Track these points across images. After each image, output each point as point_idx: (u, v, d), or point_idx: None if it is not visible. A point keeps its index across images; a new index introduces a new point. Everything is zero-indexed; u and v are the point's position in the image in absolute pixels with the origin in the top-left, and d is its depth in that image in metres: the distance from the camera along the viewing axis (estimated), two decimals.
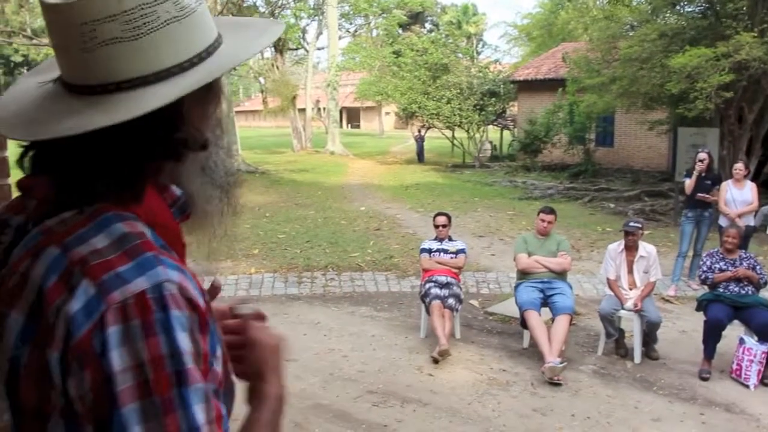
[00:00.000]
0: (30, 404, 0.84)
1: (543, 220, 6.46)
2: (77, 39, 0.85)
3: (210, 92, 0.96)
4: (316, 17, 32.46)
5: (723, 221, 8.14)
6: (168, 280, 0.84)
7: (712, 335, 5.64)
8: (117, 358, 0.79)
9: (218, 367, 0.91)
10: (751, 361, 5.40)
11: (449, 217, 6.95)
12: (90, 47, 0.85)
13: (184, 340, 0.82)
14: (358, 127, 61.12)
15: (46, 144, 0.89)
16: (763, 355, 5.40)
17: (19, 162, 0.95)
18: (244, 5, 20.40)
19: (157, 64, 0.88)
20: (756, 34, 11.45)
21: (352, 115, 61.25)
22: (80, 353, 0.79)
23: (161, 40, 0.87)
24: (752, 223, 8.42)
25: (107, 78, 0.87)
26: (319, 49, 36.22)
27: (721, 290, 5.85)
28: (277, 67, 31.19)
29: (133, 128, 0.85)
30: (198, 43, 0.92)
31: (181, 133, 0.92)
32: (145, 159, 0.91)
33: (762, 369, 5.42)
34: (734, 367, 5.55)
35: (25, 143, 0.94)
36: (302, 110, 33.87)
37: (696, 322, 6.15)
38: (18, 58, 48.81)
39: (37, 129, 0.88)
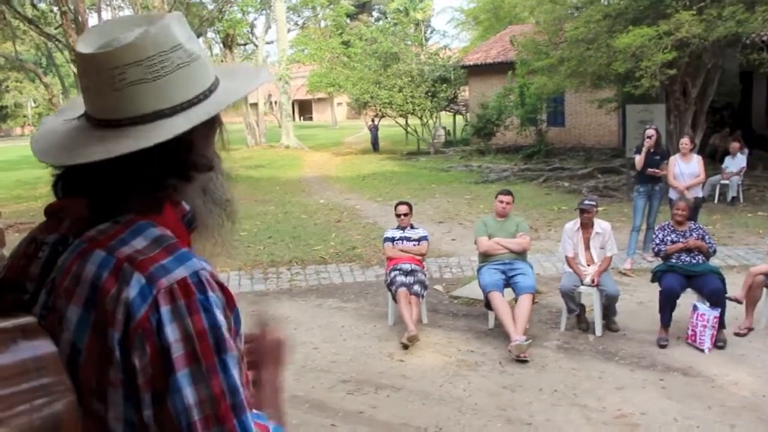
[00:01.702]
0: (90, 382, 1.00)
1: (501, 202, 6.63)
2: (108, 81, 1.04)
3: (213, 124, 1.16)
4: (264, 11, 32.22)
5: (673, 194, 8.41)
6: (203, 268, 1.04)
7: (667, 304, 5.88)
8: (170, 332, 0.98)
9: (240, 344, 1.11)
10: (705, 326, 5.67)
11: (410, 206, 7.07)
12: (119, 87, 1.03)
13: (220, 316, 1.02)
14: (311, 119, 60.88)
15: (77, 170, 1.07)
16: (715, 320, 5.66)
17: (54, 188, 1.14)
18: (191, 2, 20.12)
19: (171, 100, 1.06)
20: (695, 12, 11.82)
21: (304, 108, 60.97)
22: (141, 330, 0.97)
23: (175, 80, 1.06)
24: (701, 195, 8.75)
25: (132, 112, 1.05)
26: (268, 43, 36.11)
27: (674, 261, 6.10)
28: (227, 63, 30.89)
29: (154, 153, 1.04)
30: (202, 83, 1.11)
31: (191, 158, 1.12)
32: (164, 179, 1.10)
33: (715, 333, 5.68)
34: (689, 333, 5.81)
35: (57, 172, 1.13)
36: (254, 105, 33.67)
37: (652, 293, 6.38)
38: None
39: (73, 156, 1.05)
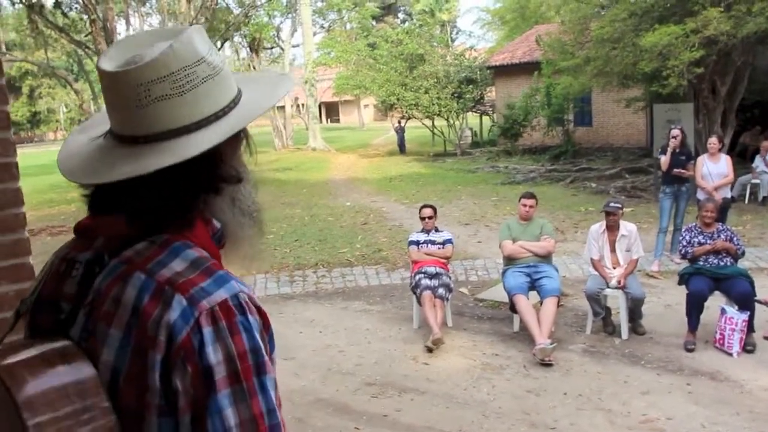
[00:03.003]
0: (130, 404, 1.00)
1: (525, 205, 6.61)
2: (133, 98, 1.03)
3: (239, 135, 1.15)
4: (290, 15, 32.42)
5: (701, 195, 8.30)
6: (242, 291, 1.04)
7: (694, 307, 5.82)
8: (212, 353, 0.98)
9: (275, 365, 1.10)
10: (733, 329, 5.59)
11: (435, 209, 7.09)
12: (144, 104, 1.03)
13: (259, 338, 1.03)
14: (338, 121, 61.04)
15: (108, 188, 1.07)
16: (744, 323, 5.59)
17: (90, 206, 1.14)
18: (217, 7, 20.33)
19: (198, 114, 1.06)
20: (722, 9, 11.65)
21: (331, 110, 61.15)
22: (183, 351, 0.97)
23: (200, 94, 1.06)
24: (729, 195, 8.63)
25: (158, 128, 1.04)
26: (294, 46, 36.24)
27: (702, 263, 6.03)
28: (254, 67, 31.15)
29: (184, 169, 1.03)
30: (226, 95, 1.11)
31: (220, 170, 1.11)
32: (195, 193, 1.09)
33: (744, 337, 5.61)
34: (717, 336, 5.74)
35: (86, 192, 1.13)
36: (281, 108, 33.83)
37: (680, 295, 6.31)
38: None
39: (102, 174, 1.05)
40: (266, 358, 1.03)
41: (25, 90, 51.19)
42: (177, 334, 0.97)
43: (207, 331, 0.98)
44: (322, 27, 39.53)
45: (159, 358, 0.97)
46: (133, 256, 1.06)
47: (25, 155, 25.72)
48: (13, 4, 17.71)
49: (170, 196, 1.06)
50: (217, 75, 1.08)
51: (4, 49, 25.72)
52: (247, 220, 1.21)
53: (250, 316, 1.03)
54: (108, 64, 1.04)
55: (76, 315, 1.07)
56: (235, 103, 1.12)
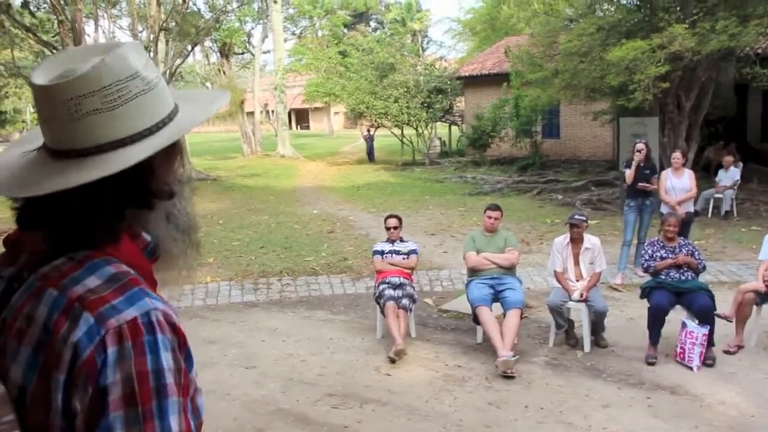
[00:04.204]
0: (35, 424, 0.98)
1: (490, 217, 6.61)
2: (65, 111, 1.02)
3: (173, 151, 1.15)
4: (261, 21, 32.27)
5: (664, 209, 8.38)
6: (155, 308, 1.01)
7: (656, 321, 5.86)
8: (111, 373, 0.95)
9: (192, 385, 1.09)
10: (693, 343, 5.64)
11: (400, 219, 7.06)
12: (75, 118, 1.02)
13: (167, 359, 0.99)
14: (307, 128, 60.89)
15: (36, 203, 1.05)
16: (704, 338, 5.63)
17: (17, 220, 1.12)
18: (188, 12, 20.14)
19: (130, 129, 1.05)
20: (687, 26, 11.86)
21: (301, 117, 60.98)
22: (85, 370, 0.95)
23: (133, 109, 1.05)
24: (692, 210, 8.73)
25: (90, 142, 1.03)
26: (265, 52, 36.12)
27: (663, 277, 6.08)
28: (224, 72, 31.01)
29: (112, 183, 1.02)
30: (161, 111, 1.10)
31: (151, 186, 1.11)
32: (123, 208, 1.08)
33: (704, 351, 5.65)
34: (678, 350, 5.78)
35: (16, 205, 1.11)
36: (251, 114, 33.67)
37: (642, 309, 6.33)
38: None
39: (30, 187, 1.04)
40: (170, 381, 0.98)
41: None
42: (81, 353, 0.95)
43: (111, 351, 0.96)
44: (293, 34, 39.41)
45: (62, 379, 0.96)
46: (49, 272, 1.04)
47: None
48: None
49: (94, 212, 1.04)
50: (151, 90, 1.08)
51: None
52: (181, 236, 1.20)
53: (159, 335, 0.99)
54: (40, 78, 1.03)
55: None
56: (170, 118, 1.11)
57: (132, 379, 0.95)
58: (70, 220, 1.04)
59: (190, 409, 1.06)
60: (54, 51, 18.05)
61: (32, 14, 17.44)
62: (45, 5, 17.48)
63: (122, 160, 1.02)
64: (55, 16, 17.61)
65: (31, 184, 1.04)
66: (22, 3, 16.67)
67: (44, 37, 18.93)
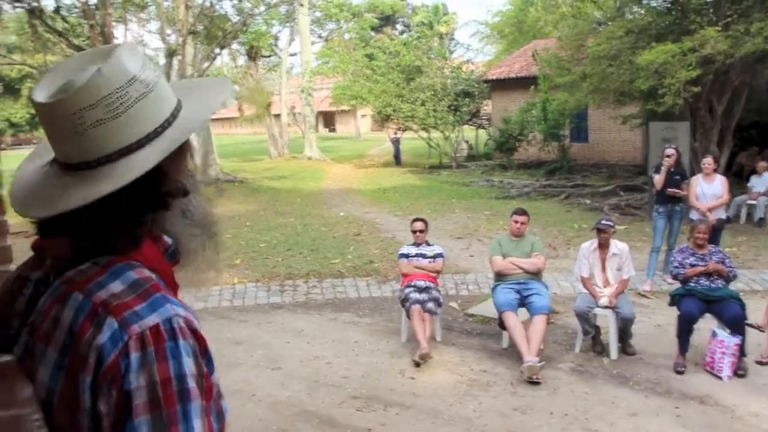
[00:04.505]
0: (63, 425, 1.01)
1: (516, 222, 6.57)
2: (69, 127, 1.03)
3: (182, 149, 1.14)
4: (288, 24, 32.45)
5: (694, 215, 8.27)
6: (176, 314, 1.03)
7: (685, 329, 5.78)
8: (135, 379, 0.97)
9: (214, 388, 1.11)
10: (724, 353, 5.54)
11: (426, 222, 7.05)
12: (80, 131, 1.03)
13: (189, 364, 1.01)
14: (334, 130, 61.09)
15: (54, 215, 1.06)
16: (735, 347, 5.53)
17: (38, 230, 1.14)
18: (215, 15, 20.33)
19: (136, 133, 1.06)
20: (720, 28, 11.67)
21: (328, 119, 61.20)
22: (110, 375, 0.97)
23: (136, 114, 1.06)
24: (724, 216, 8.59)
25: (98, 153, 1.05)
26: (292, 55, 36.31)
27: (693, 285, 5.98)
28: (251, 75, 31.19)
29: (127, 191, 1.04)
30: (164, 110, 1.11)
31: (165, 187, 1.12)
32: (142, 212, 1.10)
33: (735, 361, 5.55)
34: (708, 359, 5.69)
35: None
36: (278, 116, 33.84)
37: (671, 316, 6.25)
38: None
39: (49, 207, 1.06)
40: (193, 385, 1.01)
41: (25, 92, 51.16)
42: (105, 357, 0.98)
43: (134, 356, 0.98)
44: (320, 36, 39.53)
45: (88, 380, 0.98)
46: (74, 276, 1.07)
47: (24, 156, 25.70)
48: (14, 7, 17.75)
49: (113, 219, 1.07)
50: (151, 92, 1.08)
51: (4, 52, 25.78)
52: (198, 230, 1.21)
53: (181, 341, 1.02)
54: (41, 95, 1.04)
55: (22, 333, 1.10)
56: (174, 116, 1.12)
57: (156, 384, 0.97)
58: (90, 227, 1.07)
59: (213, 412, 1.08)
60: None
61: (64, 19, 17.77)
62: (76, 10, 17.78)
63: (133, 168, 1.04)
64: (85, 21, 17.90)
65: (48, 202, 1.06)
66: (54, 8, 17.00)
67: (75, 41, 19.27)
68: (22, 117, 53.42)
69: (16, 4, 17.03)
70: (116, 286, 1.04)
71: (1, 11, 18.41)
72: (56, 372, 1.02)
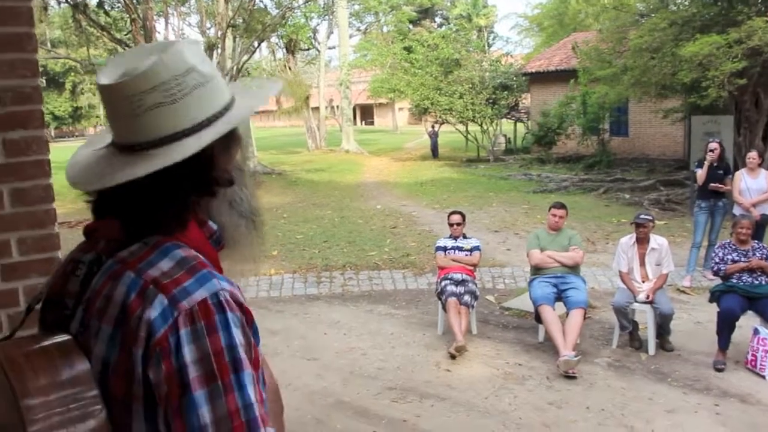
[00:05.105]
0: (119, 395, 1.07)
1: (554, 215, 6.54)
2: (128, 108, 1.09)
3: (232, 140, 1.20)
4: (327, 17, 32.56)
5: (738, 210, 8.11)
6: (222, 288, 1.08)
7: (725, 326, 5.68)
8: (188, 353, 1.02)
9: (260, 358, 1.15)
10: (767, 351, 5.44)
11: (463, 215, 7.04)
12: (139, 113, 1.09)
13: (238, 335, 1.06)
14: (372, 123, 61.16)
15: (107, 194, 1.14)
16: None
17: (93, 211, 1.21)
18: (255, 8, 20.50)
19: (189, 120, 1.12)
20: None
21: (366, 112, 61.29)
22: (160, 348, 1.02)
23: (192, 101, 1.12)
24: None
25: (153, 135, 1.11)
26: (330, 48, 36.34)
27: (734, 281, 5.88)
28: (290, 68, 31.39)
29: (176, 173, 1.09)
30: (218, 102, 1.16)
31: (213, 173, 1.17)
32: (188, 195, 1.15)
33: None
34: (749, 357, 5.59)
35: (90, 198, 1.20)
36: (316, 109, 34.01)
37: (711, 312, 6.14)
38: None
39: (100, 181, 1.12)
40: (243, 355, 1.05)
41: (68, 86, 52.34)
42: (155, 332, 1.03)
43: (184, 332, 1.03)
44: (358, 29, 39.58)
45: (140, 353, 1.03)
46: (126, 256, 1.12)
47: (67, 148, 26.33)
48: (59, 3, 18.24)
49: (161, 200, 1.12)
50: (208, 83, 1.14)
51: (49, 46, 26.46)
52: (243, 222, 1.28)
53: (229, 313, 1.06)
54: (105, 78, 1.11)
55: (77, 311, 1.14)
56: (226, 109, 1.17)
57: (209, 356, 1.02)
58: (139, 208, 1.13)
59: (261, 380, 1.13)
60: (126, 48, 18.83)
61: (107, 13, 18.18)
62: (118, 4, 18.20)
63: (183, 150, 1.09)
64: (127, 15, 18.27)
65: (101, 177, 1.12)
66: (97, 3, 17.40)
67: (117, 35, 19.70)
68: (66, 110, 54.67)
69: (61, 0, 17.48)
70: (165, 264, 1.09)
71: (48, 7, 18.87)
72: (111, 345, 1.07)
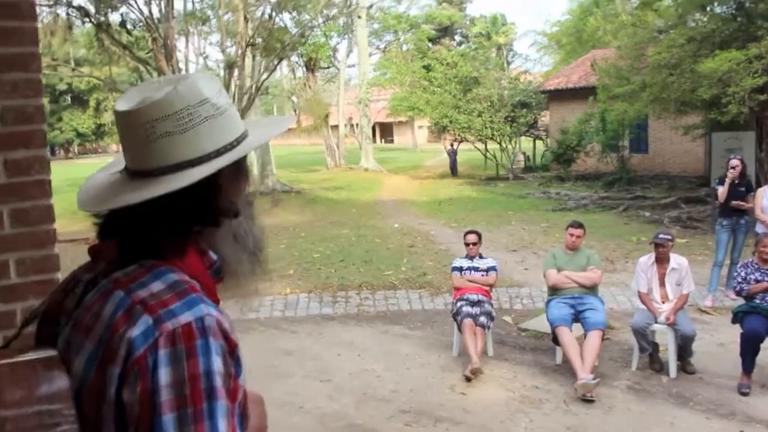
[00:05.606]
0: (90, 414, 1.06)
1: (572, 235, 6.45)
2: (141, 134, 1.13)
3: (240, 173, 1.23)
4: (346, 35, 32.79)
5: (760, 228, 7.95)
6: (209, 314, 1.07)
7: (749, 348, 5.53)
8: (163, 375, 1.00)
9: (240, 391, 1.14)
10: None
11: (479, 235, 6.97)
12: (151, 140, 1.12)
13: (217, 363, 1.04)
14: (391, 141, 61.30)
15: (113, 217, 1.17)
16: None
17: (98, 232, 1.22)
18: (274, 27, 20.66)
19: (200, 150, 1.14)
20: None
21: (385, 130, 61.44)
22: (138, 367, 1.01)
23: (203, 132, 1.15)
24: None
25: (163, 162, 1.13)
26: (350, 66, 36.58)
27: (758, 301, 5.74)
28: (309, 86, 31.60)
29: (180, 200, 1.12)
30: (230, 134, 1.19)
31: (218, 203, 1.18)
32: (191, 224, 1.17)
33: None
34: None
35: (98, 221, 1.21)
36: (335, 127, 34.16)
37: (734, 334, 6.00)
38: (62, 87, 51.02)
39: (105, 203, 1.17)
40: (220, 384, 1.03)
41: (92, 103, 53.35)
42: (135, 350, 1.01)
43: (163, 352, 1.01)
44: (378, 48, 39.84)
45: (117, 371, 1.02)
46: (120, 276, 1.13)
47: (89, 165, 26.70)
48: (83, 23, 18.58)
49: (161, 225, 1.13)
50: (220, 115, 1.16)
51: (73, 64, 26.97)
52: (246, 256, 1.27)
53: (212, 339, 1.05)
54: (121, 105, 1.15)
55: (66, 328, 1.16)
56: (238, 142, 1.19)
57: (184, 381, 1.00)
58: (139, 231, 1.14)
59: (237, 414, 1.11)
60: (148, 67, 19.14)
61: (128, 32, 18.44)
62: (140, 24, 18.44)
63: (187, 178, 1.11)
64: (149, 34, 18.51)
65: (106, 200, 1.16)
66: (119, 22, 17.65)
67: (139, 54, 19.96)
68: (89, 127, 55.62)
69: (86, 20, 17.78)
70: (156, 286, 1.09)
71: (73, 26, 19.25)
72: (90, 363, 1.07)
